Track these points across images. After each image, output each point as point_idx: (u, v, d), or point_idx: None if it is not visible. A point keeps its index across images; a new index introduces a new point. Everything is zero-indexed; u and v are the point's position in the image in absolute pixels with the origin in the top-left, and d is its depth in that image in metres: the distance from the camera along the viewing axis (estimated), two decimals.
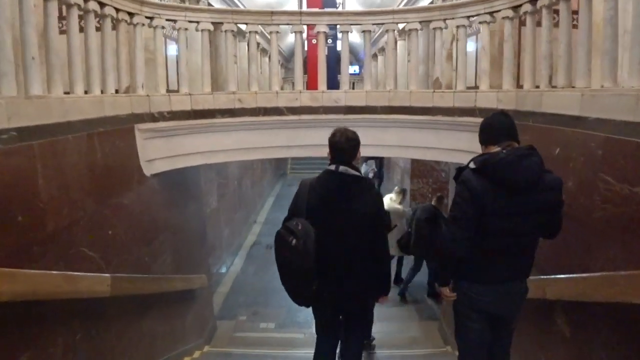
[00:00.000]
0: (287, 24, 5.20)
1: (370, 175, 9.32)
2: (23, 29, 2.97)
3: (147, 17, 4.59)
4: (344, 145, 2.87)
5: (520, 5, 4.16)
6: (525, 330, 3.58)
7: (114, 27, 4.31)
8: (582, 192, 3.01)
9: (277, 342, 6.65)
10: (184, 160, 5.01)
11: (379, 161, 13.45)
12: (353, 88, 7.17)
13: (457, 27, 4.80)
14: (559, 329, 3.23)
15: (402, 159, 11.75)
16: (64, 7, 3.61)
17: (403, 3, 9.38)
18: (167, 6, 4.71)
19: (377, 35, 11.03)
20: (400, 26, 6.26)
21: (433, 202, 7.59)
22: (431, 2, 7.16)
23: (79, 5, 3.64)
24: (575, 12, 3.72)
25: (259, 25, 5.24)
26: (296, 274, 2.83)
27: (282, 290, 3.00)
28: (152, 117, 4.62)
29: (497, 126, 2.57)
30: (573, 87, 3.41)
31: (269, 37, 5.31)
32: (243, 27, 5.29)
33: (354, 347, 3.29)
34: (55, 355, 2.85)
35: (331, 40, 12.36)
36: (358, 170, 2.94)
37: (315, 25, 5.20)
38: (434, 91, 4.94)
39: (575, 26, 3.62)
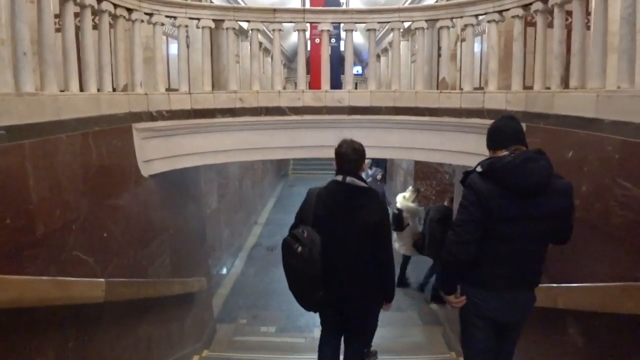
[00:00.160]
0: (290, 22, 5.07)
1: (379, 177, 9.27)
2: (14, 23, 2.85)
3: (146, 14, 4.47)
4: (350, 157, 2.96)
5: (530, 4, 4.04)
6: (532, 338, 3.46)
7: (112, 24, 4.19)
8: (598, 197, 2.89)
9: (278, 346, 6.51)
10: (183, 160, 4.89)
11: (380, 162, 13.23)
12: (356, 89, 7.05)
13: (465, 26, 4.68)
14: (570, 339, 3.10)
15: (406, 160, 11.63)
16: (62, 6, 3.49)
17: (408, 2, 9.24)
18: (167, 2, 4.58)
19: (380, 35, 10.92)
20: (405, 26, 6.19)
21: (445, 203, 7.51)
22: (436, 1, 7.03)
23: (75, 0, 3.52)
24: (588, 13, 3.61)
25: (261, 24, 5.10)
26: (302, 281, 2.92)
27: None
28: (151, 116, 4.50)
29: (504, 130, 2.56)
30: (586, 88, 3.29)
31: (271, 36, 5.18)
32: (245, 26, 5.16)
33: (355, 353, 3.31)
34: None
35: (334, 40, 12.24)
36: (364, 180, 3.02)
37: (318, 23, 5.08)
38: (440, 92, 4.82)
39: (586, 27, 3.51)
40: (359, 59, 20.58)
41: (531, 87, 4.16)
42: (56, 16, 3.48)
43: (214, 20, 4.83)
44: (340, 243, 2.93)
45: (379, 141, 5.03)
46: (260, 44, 10.78)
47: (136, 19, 4.37)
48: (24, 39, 2.89)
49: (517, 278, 2.53)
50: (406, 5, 8.55)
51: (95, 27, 3.96)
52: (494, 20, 4.41)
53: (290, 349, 6.37)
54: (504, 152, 2.48)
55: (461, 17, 4.65)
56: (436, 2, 6.96)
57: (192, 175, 6.10)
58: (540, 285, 2.93)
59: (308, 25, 5.20)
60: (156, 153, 4.59)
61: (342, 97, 4.96)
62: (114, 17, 4.17)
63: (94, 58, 3.81)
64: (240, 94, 4.89)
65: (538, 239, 2.48)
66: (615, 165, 2.71)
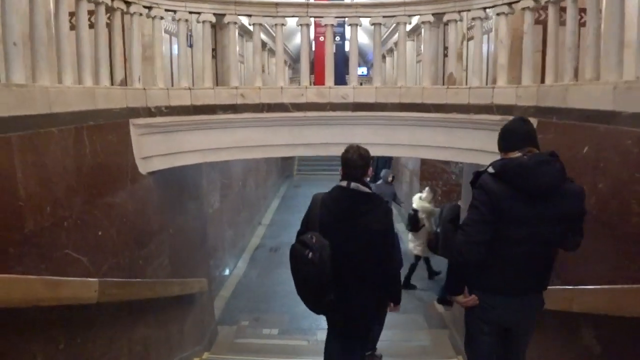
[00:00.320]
0: (293, 16, 4.94)
1: (390, 179, 9.17)
2: (4, 13, 2.73)
3: (145, 7, 4.35)
4: (356, 163, 2.98)
5: None
6: (544, 344, 3.31)
7: (109, 17, 4.07)
8: (616, 195, 2.73)
9: (280, 349, 6.38)
10: (183, 158, 4.76)
11: (381, 161, 13.01)
12: None
13: (472, 19, 4.54)
14: (586, 344, 2.94)
15: (411, 161, 11.48)
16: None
17: None
18: None
19: (385, 35, 10.78)
20: (409, 27, 6.03)
21: (459, 202, 7.37)
22: None
23: None
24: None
25: (264, 19, 4.98)
26: (313, 286, 2.93)
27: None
28: (149, 112, 4.38)
29: (517, 132, 2.55)
30: (601, 80, 3.13)
31: (274, 33, 5.05)
32: (248, 25, 5.04)
33: (358, 356, 3.38)
34: None
35: (339, 38, 12.11)
36: (369, 186, 3.05)
37: (322, 18, 4.94)
38: (447, 87, 4.67)
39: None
40: (364, 60, 20.42)
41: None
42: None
43: (214, 14, 4.71)
44: (345, 248, 2.94)
45: (385, 139, 4.90)
46: (265, 44, 10.75)
47: (134, 12, 4.25)
48: (13, 30, 2.78)
49: (526, 283, 2.51)
50: None
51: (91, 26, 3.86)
52: (503, 13, 4.26)
53: (292, 351, 6.24)
54: (516, 154, 2.47)
55: (469, 10, 4.51)
56: None
57: (193, 174, 5.98)
58: (553, 287, 2.81)
59: (312, 20, 5.08)
60: (155, 150, 4.46)
61: (347, 93, 4.82)
62: (112, 9, 4.06)
63: (89, 51, 3.69)
64: (241, 89, 4.76)
65: (547, 242, 2.46)
66: (635, 160, 2.55)
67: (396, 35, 6.52)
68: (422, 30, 5.22)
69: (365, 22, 4.99)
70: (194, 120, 4.64)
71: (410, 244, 8.14)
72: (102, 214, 3.50)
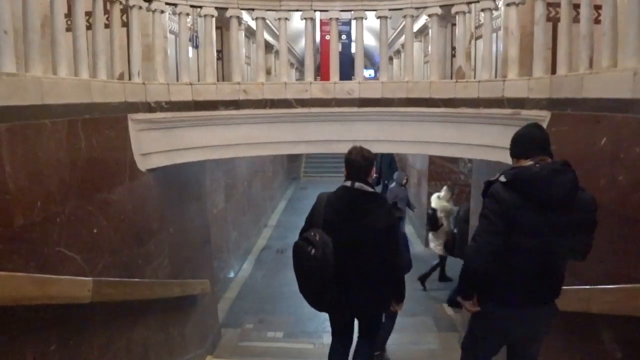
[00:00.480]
0: (297, 10, 4.81)
1: (403, 181, 9.06)
2: None
3: (145, 0, 4.25)
4: (360, 163, 3.06)
5: None
6: (561, 347, 3.15)
7: (107, 10, 3.97)
8: (636, 187, 2.57)
9: (285, 352, 6.22)
10: (184, 155, 4.63)
11: (385, 162, 12.78)
12: None
13: (482, 10, 4.39)
14: (605, 348, 2.77)
15: (419, 160, 11.31)
16: None
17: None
18: None
19: (392, 37, 10.65)
20: (416, 27, 5.90)
21: (469, 203, 7.23)
22: None
23: None
24: None
25: (267, 13, 4.85)
26: (316, 283, 2.98)
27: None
28: (149, 107, 4.27)
29: (530, 139, 2.50)
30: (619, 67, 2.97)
31: (277, 32, 4.93)
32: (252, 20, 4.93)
33: (364, 351, 3.43)
34: None
35: (345, 37, 11.98)
36: (372, 186, 3.13)
37: (327, 10, 4.81)
38: (456, 81, 4.51)
39: None
40: (371, 62, 20.29)
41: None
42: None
43: (216, 8, 4.60)
44: (348, 246, 2.99)
45: (392, 135, 4.75)
46: (272, 46, 10.62)
47: (134, 5, 4.15)
48: (4, 17, 2.67)
49: (535, 293, 2.48)
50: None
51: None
52: (514, 3, 4.11)
53: (298, 355, 6.08)
54: (529, 162, 2.42)
55: (478, 1, 4.36)
56: None
57: (196, 173, 5.86)
58: (570, 287, 2.67)
59: (318, 14, 4.96)
60: (155, 146, 4.35)
61: (352, 88, 4.68)
62: (111, 2, 3.95)
63: (85, 43, 3.58)
64: (244, 85, 4.64)
65: (558, 253, 2.42)
66: None
67: (403, 37, 6.37)
68: (430, 28, 5.08)
69: (371, 16, 4.85)
70: (195, 117, 4.52)
71: (431, 243, 8.09)
72: (98, 211, 3.38)
